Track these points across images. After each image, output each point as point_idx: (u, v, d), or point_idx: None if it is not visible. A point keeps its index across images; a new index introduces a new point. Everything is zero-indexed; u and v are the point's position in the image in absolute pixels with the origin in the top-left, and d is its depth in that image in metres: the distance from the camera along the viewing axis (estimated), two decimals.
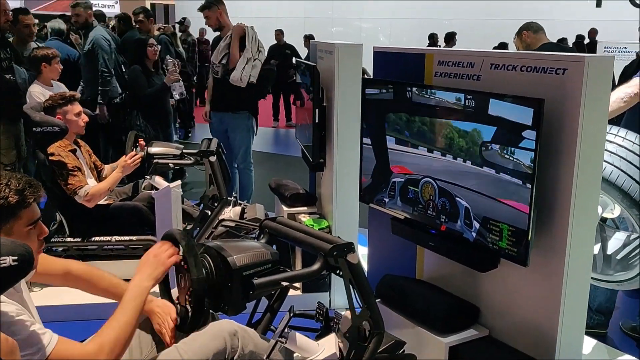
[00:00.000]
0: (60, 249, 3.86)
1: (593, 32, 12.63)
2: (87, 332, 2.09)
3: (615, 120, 3.18)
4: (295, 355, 2.23)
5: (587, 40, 12.35)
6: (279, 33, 11.67)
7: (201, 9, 5.21)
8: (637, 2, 13.88)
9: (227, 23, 5.17)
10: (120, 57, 6.10)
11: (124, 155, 4.07)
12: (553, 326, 2.35)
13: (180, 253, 2.07)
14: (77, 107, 3.90)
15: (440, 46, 12.28)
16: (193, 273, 1.97)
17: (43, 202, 1.91)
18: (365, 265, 3.63)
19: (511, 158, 2.27)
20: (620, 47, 9.52)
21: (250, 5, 16.27)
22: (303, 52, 11.29)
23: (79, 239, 3.89)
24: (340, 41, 3.64)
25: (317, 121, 3.68)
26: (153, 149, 4.23)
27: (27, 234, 1.78)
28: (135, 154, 4.00)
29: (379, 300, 2.80)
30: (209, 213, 4.12)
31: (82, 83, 5.97)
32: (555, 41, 6.30)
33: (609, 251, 3.26)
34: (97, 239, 3.90)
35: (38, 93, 4.69)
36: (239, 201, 4.51)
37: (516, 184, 2.26)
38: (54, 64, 4.84)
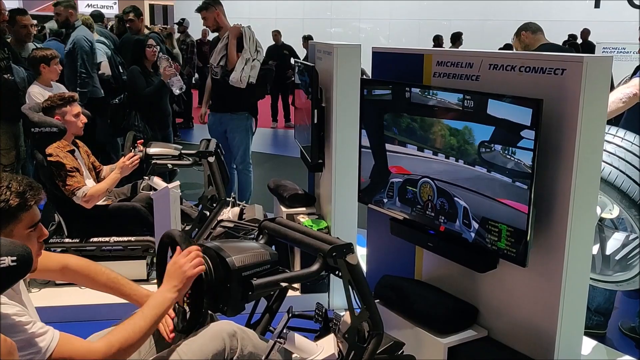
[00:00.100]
0: (59, 249, 3.85)
1: (586, 33, 12.67)
2: (86, 332, 2.09)
3: (614, 121, 3.18)
4: (294, 356, 2.23)
5: (579, 41, 12.36)
6: (277, 34, 11.67)
7: (198, 10, 5.21)
8: (636, 2, 13.89)
9: (225, 24, 5.16)
10: (118, 58, 6.10)
11: (123, 156, 4.07)
12: (552, 327, 2.35)
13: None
14: (76, 108, 3.89)
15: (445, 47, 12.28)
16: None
17: (42, 203, 1.91)
18: (364, 266, 3.63)
19: (510, 158, 2.27)
20: (619, 48, 9.52)
21: (249, 6, 16.29)
22: (302, 52, 11.29)
23: (78, 240, 3.89)
24: (338, 42, 3.64)
25: (315, 122, 3.68)
26: (151, 150, 4.23)
27: (27, 237, 1.77)
28: (134, 155, 4.00)
29: (377, 301, 2.80)
30: (208, 214, 4.12)
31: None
32: (557, 42, 6.29)
33: (608, 252, 3.26)
34: (95, 239, 3.90)
35: (37, 94, 4.68)
36: (237, 202, 4.51)
37: (515, 184, 2.26)
38: (53, 64, 4.84)
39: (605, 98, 2.31)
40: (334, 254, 2.07)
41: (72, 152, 3.82)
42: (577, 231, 2.27)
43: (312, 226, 3.68)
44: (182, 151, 4.30)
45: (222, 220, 4.12)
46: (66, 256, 2.23)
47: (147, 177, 4.17)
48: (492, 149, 2.34)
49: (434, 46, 12.42)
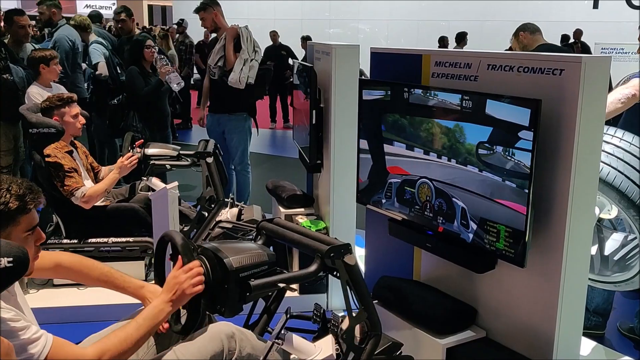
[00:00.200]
0: (57, 250, 3.84)
1: (578, 33, 12.69)
2: (84, 333, 2.08)
3: (612, 121, 3.18)
4: (292, 356, 2.22)
5: (571, 40, 12.37)
6: (274, 34, 11.67)
7: (196, 11, 5.20)
8: (634, 3, 13.91)
9: (223, 25, 5.15)
10: (116, 59, 6.09)
11: (121, 156, 4.06)
12: (550, 327, 2.35)
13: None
14: (75, 109, 3.89)
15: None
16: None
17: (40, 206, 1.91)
18: (362, 267, 3.62)
19: (508, 159, 2.27)
20: (617, 49, 9.51)
21: (248, 6, 16.29)
22: (300, 53, 11.29)
23: (76, 241, 3.88)
24: (337, 42, 3.63)
25: (314, 122, 3.68)
26: (150, 151, 4.22)
27: (25, 240, 1.77)
28: (132, 155, 3.99)
29: (376, 301, 2.79)
30: (206, 214, 4.12)
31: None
32: (553, 42, 6.28)
33: (607, 252, 3.26)
34: (93, 240, 3.90)
35: (36, 94, 4.68)
36: (236, 202, 4.50)
37: (513, 185, 2.26)
38: (52, 65, 4.83)
39: (604, 98, 2.30)
40: (331, 254, 2.06)
41: (70, 152, 3.82)
42: (576, 232, 2.26)
43: (310, 227, 3.68)
44: (181, 152, 4.30)
45: (220, 221, 4.12)
46: (59, 254, 2.23)
47: (145, 178, 4.17)
48: (490, 149, 2.34)
49: (440, 47, 12.43)
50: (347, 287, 2.12)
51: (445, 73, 2.75)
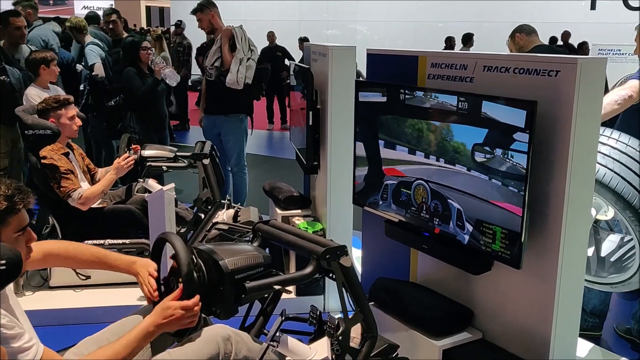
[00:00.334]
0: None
1: (566, 35, 12.74)
2: (79, 336, 2.08)
3: (609, 123, 3.18)
4: (287, 359, 2.22)
5: (559, 42, 12.40)
6: (271, 35, 11.67)
7: (193, 12, 5.20)
8: (631, 4, 13.92)
9: (220, 26, 5.15)
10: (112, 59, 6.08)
11: (118, 158, 4.06)
12: (547, 329, 2.35)
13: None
14: (72, 111, 3.88)
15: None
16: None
17: (36, 205, 1.90)
18: (359, 268, 3.62)
19: (504, 160, 2.26)
20: (614, 50, 9.53)
21: (245, 7, 16.28)
22: (297, 54, 11.28)
23: None
24: (334, 44, 3.63)
25: (310, 124, 3.68)
26: (146, 152, 4.22)
27: (15, 241, 1.76)
28: (129, 156, 3.99)
29: (372, 303, 2.79)
30: (203, 216, 4.11)
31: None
32: (549, 43, 6.30)
33: (603, 253, 3.26)
34: (90, 242, 3.88)
35: (34, 95, 4.67)
36: (232, 204, 4.50)
37: (509, 186, 2.26)
38: (52, 66, 4.83)
39: (600, 100, 2.30)
40: (327, 256, 2.06)
41: (66, 154, 3.81)
42: (572, 233, 2.26)
43: (307, 228, 3.67)
44: (177, 153, 4.29)
45: (217, 223, 4.11)
46: (46, 242, 2.22)
47: (141, 180, 4.16)
48: (486, 150, 2.34)
49: (446, 47, 12.46)
50: (343, 289, 2.11)
51: (441, 74, 2.74)
